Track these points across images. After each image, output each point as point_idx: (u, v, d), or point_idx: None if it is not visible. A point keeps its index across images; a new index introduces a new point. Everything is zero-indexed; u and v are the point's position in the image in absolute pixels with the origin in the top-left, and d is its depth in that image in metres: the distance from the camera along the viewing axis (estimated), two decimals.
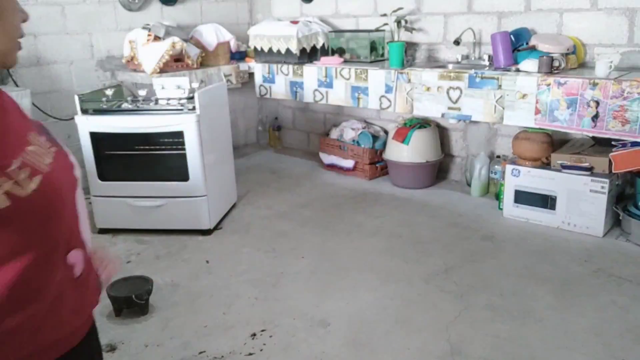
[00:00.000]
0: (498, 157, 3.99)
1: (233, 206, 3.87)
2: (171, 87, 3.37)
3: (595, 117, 2.95)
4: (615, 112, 2.87)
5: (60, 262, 0.95)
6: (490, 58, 3.68)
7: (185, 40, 4.26)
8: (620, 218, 3.20)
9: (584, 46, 3.45)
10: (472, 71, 3.39)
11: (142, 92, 3.40)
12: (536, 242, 3.18)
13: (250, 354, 2.24)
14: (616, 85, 2.85)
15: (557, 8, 3.50)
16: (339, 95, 4.08)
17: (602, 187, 3.13)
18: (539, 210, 3.39)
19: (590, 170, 3.20)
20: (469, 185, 4.05)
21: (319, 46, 4.43)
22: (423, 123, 4.18)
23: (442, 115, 3.58)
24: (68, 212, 0.97)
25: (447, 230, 3.39)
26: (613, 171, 3.09)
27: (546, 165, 3.39)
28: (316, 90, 4.20)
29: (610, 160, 3.07)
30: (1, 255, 0.85)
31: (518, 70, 3.30)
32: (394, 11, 4.09)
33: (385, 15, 4.18)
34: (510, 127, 3.80)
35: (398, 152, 4.15)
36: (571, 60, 3.30)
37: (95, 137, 3.31)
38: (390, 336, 2.33)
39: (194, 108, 3.21)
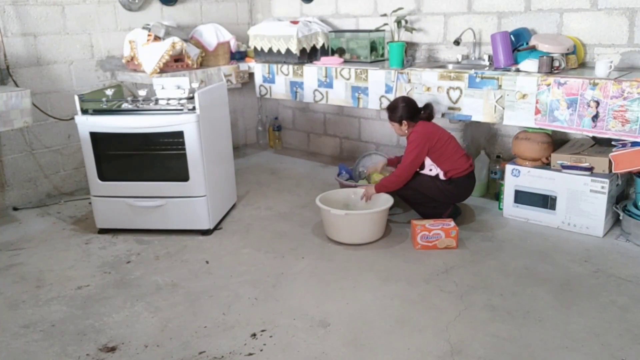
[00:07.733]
0: (498, 157, 3.99)
1: (233, 206, 3.87)
2: (171, 87, 3.37)
3: (595, 117, 2.95)
4: (615, 112, 2.88)
5: None
6: (490, 58, 3.68)
7: (185, 40, 4.27)
8: (620, 218, 3.20)
9: (584, 46, 3.45)
10: (472, 71, 3.39)
11: (142, 92, 3.40)
12: (536, 242, 3.18)
13: (250, 354, 2.24)
14: (616, 86, 2.85)
15: (557, 8, 3.50)
16: (339, 95, 4.08)
17: (602, 187, 3.13)
18: (539, 210, 3.39)
19: (590, 170, 3.20)
20: None
21: (319, 46, 4.43)
22: None
23: (442, 115, 3.58)
24: None
25: None
26: (613, 171, 3.09)
27: (546, 165, 3.39)
28: (316, 90, 4.20)
29: (610, 160, 3.07)
30: None
31: (518, 70, 3.30)
32: (394, 11, 4.09)
33: (385, 15, 4.18)
34: (510, 127, 3.80)
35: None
36: (571, 61, 3.31)
37: (95, 137, 3.31)
38: (390, 336, 2.33)
39: (194, 108, 3.21)
